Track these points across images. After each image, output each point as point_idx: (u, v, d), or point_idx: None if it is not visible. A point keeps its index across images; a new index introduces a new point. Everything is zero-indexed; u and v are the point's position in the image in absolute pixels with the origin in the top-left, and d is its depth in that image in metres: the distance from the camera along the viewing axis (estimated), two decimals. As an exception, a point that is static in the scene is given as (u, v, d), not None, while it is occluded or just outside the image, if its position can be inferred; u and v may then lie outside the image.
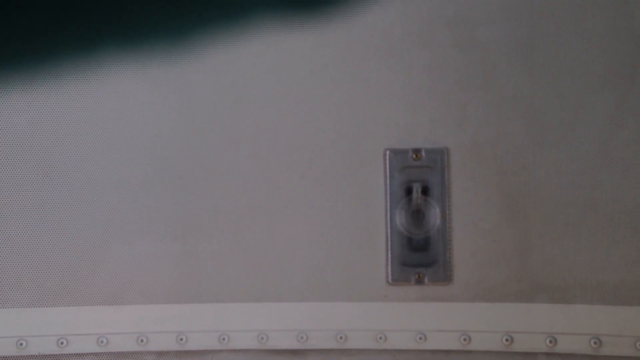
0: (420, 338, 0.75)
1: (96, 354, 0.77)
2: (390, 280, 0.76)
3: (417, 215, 0.76)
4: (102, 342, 0.76)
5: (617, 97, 0.75)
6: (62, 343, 0.76)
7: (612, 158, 0.75)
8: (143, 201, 0.77)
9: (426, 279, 0.76)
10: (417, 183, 0.76)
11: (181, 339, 0.76)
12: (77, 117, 0.77)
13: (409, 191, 0.76)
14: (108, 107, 0.77)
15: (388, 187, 0.76)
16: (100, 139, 0.77)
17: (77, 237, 0.77)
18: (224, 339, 0.76)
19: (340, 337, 0.75)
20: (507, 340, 0.74)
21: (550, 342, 0.73)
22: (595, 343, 0.73)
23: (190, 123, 0.77)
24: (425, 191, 0.76)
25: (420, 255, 0.76)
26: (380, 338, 0.75)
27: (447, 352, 0.75)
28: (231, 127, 0.77)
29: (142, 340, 0.76)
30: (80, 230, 0.77)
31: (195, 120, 0.77)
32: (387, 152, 0.76)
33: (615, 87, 0.75)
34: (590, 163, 0.75)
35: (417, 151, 0.76)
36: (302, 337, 0.75)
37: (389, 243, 0.76)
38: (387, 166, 0.76)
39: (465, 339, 0.74)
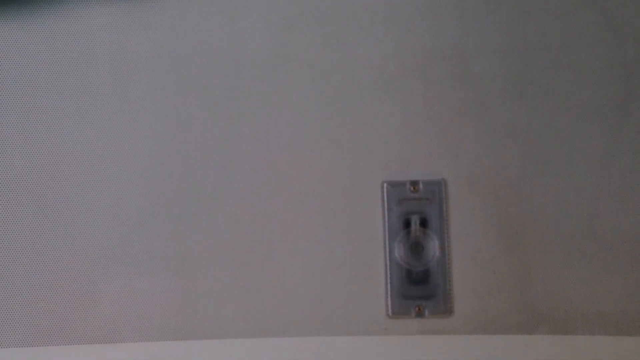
0: (422, 372, 0.74)
1: (91, 395, 0.76)
2: (390, 314, 0.75)
3: (416, 248, 0.76)
4: (97, 381, 0.75)
5: (611, 127, 0.76)
6: (56, 384, 0.74)
7: (609, 188, 0.75)
8: (139, 238, 0.76)
9: (426, 312, 0.75)
10: (416, 215, 0.76)
11: (179, 377, 0.75)
12: (70, 152, 0.77)
13: (407, 223, 0.76)
14: (101, 143, 0.77)
15: (386, 219, 0.76)
16: (95, 175, 0.77)
17: (71, 274, 0.76)
18: (222, 377, 0.75)
19: (341, 373, 0.75)
20: (509, 373, 0.73)
21: (553, 374, 0.73)
22: (598, 375, 0.72)
23: (184, 158, 0.77)
24: (423, 223, 0.76)
25: (420, 288, 0.76)
26: (381, 373, 0.74)
27: (449, 386, 0.75)
28: (226, 162, 0.77)
29: (138, 379, 0.75)
30: (74, 266, 0.76)
31: (189, 155, 0.77)
32: (385, 185, 0.76)
33: (609, 116, 0.76)
34: (588, 193, 0.75)
35: (414, 183, 0.76)
36: (302, 373, 0.75)
37: (389, 276, 0.75)
38: (385, 198, 0.76)
39: (467, 373, 0.74)
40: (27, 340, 0.75)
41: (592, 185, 0.75)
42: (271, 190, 0.77)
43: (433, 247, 0.76)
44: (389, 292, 0.76)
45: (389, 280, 0.76)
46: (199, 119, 0.78)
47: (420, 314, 0.75)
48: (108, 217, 0.77)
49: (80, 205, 0.77)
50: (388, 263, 0.76)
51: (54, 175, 0.77)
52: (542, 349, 0.73)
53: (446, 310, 0.75)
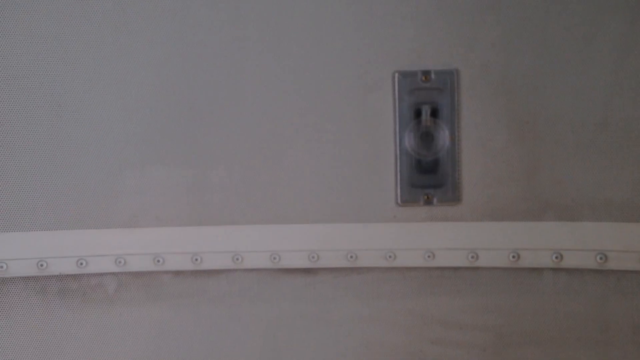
0: (429, 256, 0.77)
1: (115, 274, 0.80)
2: (399, 202, 0.77)
3: (426, 137, 0.77)
4: (120, 262, 0.79)
5: (629, 17, 0.73)
6: (81, 264, 0.79)
7: (624, 77, 0.74)
8: (154, 131, 0.78)
9: (435, 200, 0.77)
10: (427, 105, 0.76)
11: (196, 260, 0.79)
12: (82, 45, 0.77)
13: (418, 113, 0.76)
14: (114, 39, 0.77)
15: (397, 109, 0.76)
16: (108, 71, 0.77)
17: (90, 167, 0.78)
18: (237, 259, 0.78)
19: (351, 257, 0.77)
20: (513, 257, 0.75)
21: (557, 258, 0.75)
22: (601, 258, 0.74)
23: (196, 53, 0.77)
24: (434, 113, 0.76)
25: (429, 177, 0.77)
26: (390, 257, 0.77)
27: (455, 269, 0.77)
28: (238, 55, 0.77)
29: (158, 261, 0.78)
30: (93, 160, 0.78)
31: (201, 51, 0.77)
32: (396, 75, 0.76)
33: (627, 6, 0.73)
34: (603, 82, 0.74)
35: (426, 73, 0.76)
36: (313, 257, 0.78)
37: (398, 165, 0.77)
38: (396, 89, 0.76)
39: (472, 257, 0.76)
40: (52, 225, 0.79)
41: (607, 75, 0.74)
42: (281, 83, 0.77)
43: (443, 136, 0.76)
44: (399, 181, 0.77)
45: (398, 170, 0.77)
46: (213, 16, 0.77)
47: (428, 202, 0.77)
48: (123, 111, 0.78)
49: (95, 100, 0.78)
50: (398, 153, 0.77)
51: (67, 73, 0.77)
52: (548, 235, 0.75)
53: (454, 198, 0.77)
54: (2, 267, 0.79)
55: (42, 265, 0.79)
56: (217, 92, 0.78)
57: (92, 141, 0.78)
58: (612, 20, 0.73)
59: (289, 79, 0.77)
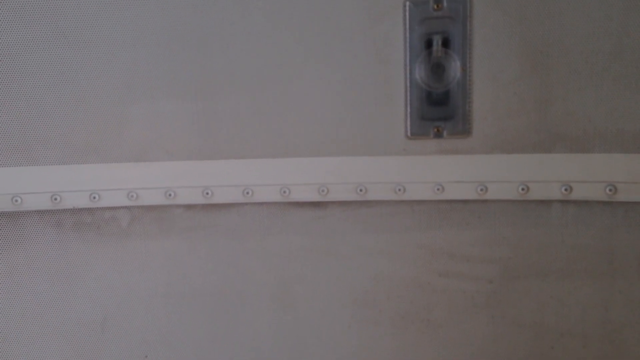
0: (438, 189, 0.77)
1: (128, 208, 0.81)
2: (409, 134, 0.77)
3: (437, 69, 0.75)
4: (132, 196, 0.80)
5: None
6: (94, 198, 0.80)
7: (642, 3, 0.72)
8: (161, 63, 0.77)
9: (445, 133, 0.76)
10: (438, 35, 0.74)
11: (207, 194, 0.79)
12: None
13: (429, 44, 0.75)
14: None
15: (407, 40, 0.75)
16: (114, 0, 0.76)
17: (98, 96, 0.78)
18: (247, 193, 0.79)
19: (360, 190, 0.78)
20: (522, 189, 0.75)
21: (566, 190, 0.75)
22: (610, 190, 0.74)
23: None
24: (446, 43, 0.75)
25: (439, 109, 0.76)
26: (399, 190, 0.77)
27: (464, 202, 0.78)
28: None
29: (170, 195, 0.79)
30: (100, 89, 0.78)
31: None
32: (407, 4, 0.74)
33: None
34: (619, 8, 0.71)
35: (438, 1, 0.74)
36: (323, 190, 0.78)
37: (408, 97, 0.76)
38: (407, 18, 0.74)
39: (482, 190, 0.76)
40: (63, 159, 0.80)
41: (623, 1, 0.71)
42: (290, 13, 0.75)
43: (454, 67, 0.75)
44: (409, 114, 0.76)
45: (408, 102, 0.76)
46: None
47: (438, 135, 0.76)
48: (128, 41, 0.77)
49: (101, 29, 0.77)
50: (408, 84, 0.76)
51: (73, 2, 0.76)
52: (557, 167, 0.75)
53: (465, 130, 0.76)
54: (17, 200, 0.80)
55: (55, 199, 0.80)
56: (225, 22, 0.76)
57: (100, 74, 0.78)
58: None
59: (296, 9, 0.75)
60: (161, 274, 0.83)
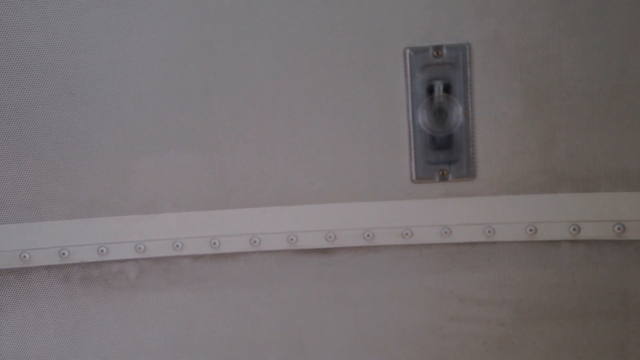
0: (446, 232, 0.77)
1: (135, 260, 0.81)
2: (414, 179, 0.77)
3: (440, 114, 0.76)
4: (140, 249, 0.80)
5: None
6: (102, 251, 0.80)
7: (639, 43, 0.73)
8: (168, 115, 0.78)
9: (450, 176, 0.77)
10: (439, 81, 0.76)
11: (214, 243, 0.79)
12: (91, 30, 0.77)
13: (430, 90, 0.76)
14: (124, 22, 0.77)
15: (409, 86, 0.76)
16: (117, 53, 0.77)
17: (104, 151, 0.79)
18: (255, 242, 0.79)
19: (368, 235, 0.78)
20: (530, 230, 0.75)
21: (574, 230, 0.75)
22: (619, 229, 0.73)
23: (206, 32, 0.77)
24: (447, 89, 0.76)
25: (443, 153, 0.77)
26: (407, 234, 0.77)
27: (472, 244, 0.77)
28: (247, 33, 0.77)
29: (177, 246, 0.79)
30: (106, 144, 0.79)
31: (211, 29, 0.77)
32: (407, 51, 0.75)
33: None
34: (618, 50, 0.72)
35: (438, 48, 0.75)
36: (330, 237, 0.78)
37: (412, 142, 0.76)
38: (408, 65, 0.76)
39: (489, 231, 0.76)
40: (71, 214, 0.80)
41: (623, 41, 0.72)
42: (292, 62, 0.77)
43: (456, 112, 0.76)
44: (413, 158, 0.77)
45: (412, 147, 0.77)
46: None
47: (443, 178, 0.77)
48: (135, 96, 0.78)
49: (106, 86, 0.78)
50: (412, 130, 0.76)
51: (80, 61, 0.78)
52: (565, 207, 0.75)
53: (469, 173, 0.76)
54: (25, 256, 0.80)
55: (63, 253, 0.80)
56: (230, 74, 0.78)
57: (106, 129, 0.79)
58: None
59: (298, 57, 0.77)
60: (169, 326, 0.82)
